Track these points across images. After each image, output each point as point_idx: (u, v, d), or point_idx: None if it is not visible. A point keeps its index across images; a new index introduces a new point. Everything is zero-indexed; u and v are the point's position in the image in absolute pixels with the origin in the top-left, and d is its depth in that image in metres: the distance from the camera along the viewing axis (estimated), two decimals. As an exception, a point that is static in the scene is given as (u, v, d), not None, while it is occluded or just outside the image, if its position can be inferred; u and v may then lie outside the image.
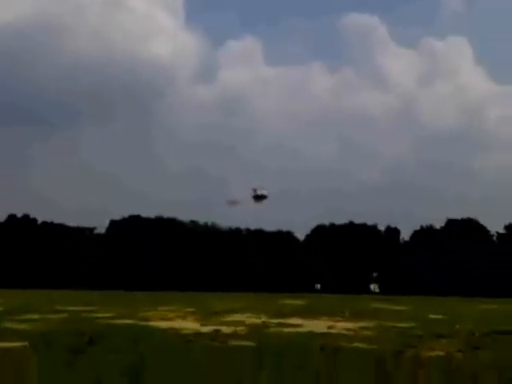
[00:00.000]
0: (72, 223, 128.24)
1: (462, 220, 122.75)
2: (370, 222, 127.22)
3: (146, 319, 30.77)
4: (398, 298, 78.82)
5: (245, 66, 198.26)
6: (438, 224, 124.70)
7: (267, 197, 64.68)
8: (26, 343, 18.86)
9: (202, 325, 27.66)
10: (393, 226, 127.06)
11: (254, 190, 64.84)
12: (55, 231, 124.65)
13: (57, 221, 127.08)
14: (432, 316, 37.33)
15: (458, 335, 24.36)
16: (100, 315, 33.07)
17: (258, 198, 65.80)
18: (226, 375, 13.13)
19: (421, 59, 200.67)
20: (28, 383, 12.09)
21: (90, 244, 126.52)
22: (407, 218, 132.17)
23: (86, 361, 15.09)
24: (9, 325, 26.02)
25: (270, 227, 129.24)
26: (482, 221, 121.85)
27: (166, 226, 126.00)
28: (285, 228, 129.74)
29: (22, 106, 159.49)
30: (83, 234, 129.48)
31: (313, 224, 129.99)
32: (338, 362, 15.89)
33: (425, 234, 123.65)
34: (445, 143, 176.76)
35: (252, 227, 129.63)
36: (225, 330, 25.07)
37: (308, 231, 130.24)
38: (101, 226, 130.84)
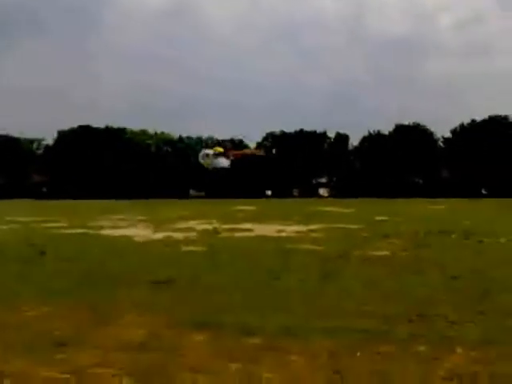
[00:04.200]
0: (18, 135, 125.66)
1: (409, 126, 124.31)
2: (319, 130, 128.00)
3: (97, 228, 30.85)
4: (347, 201, 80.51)
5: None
6: (387, 130, 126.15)
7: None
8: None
9: (154, 232, 27.93)
10: (342, 132, 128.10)
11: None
12: (2, 142, 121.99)
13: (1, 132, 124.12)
14: (379, 217, 38.38)
15: (403, 235, 25.15)
16: (50, 225, 32.99)
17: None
18: (179, 278, 13.37)
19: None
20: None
21: (39, 155, 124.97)
22: (357, 125, 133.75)
23: (38, 270, 15.16)
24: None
25: (223, 135, 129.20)
26: (430, 126, 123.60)
27: (115, 135, 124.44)
28: (238, 137, 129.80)
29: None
30: (31, 146, 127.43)
31: (264, 132, 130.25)
32: (287, 262, 16.38)
33: (373, 139, 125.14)
34: (396, 50, 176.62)
35: (205, 135, 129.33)
36: (176, 236, 25.38)
37: (259, 138, 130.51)
38: (49, 138, 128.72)
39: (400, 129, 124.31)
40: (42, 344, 8.09)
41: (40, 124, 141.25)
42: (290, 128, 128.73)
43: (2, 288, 12.50)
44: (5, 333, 8.77)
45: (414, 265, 15.75)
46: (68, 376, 6.78)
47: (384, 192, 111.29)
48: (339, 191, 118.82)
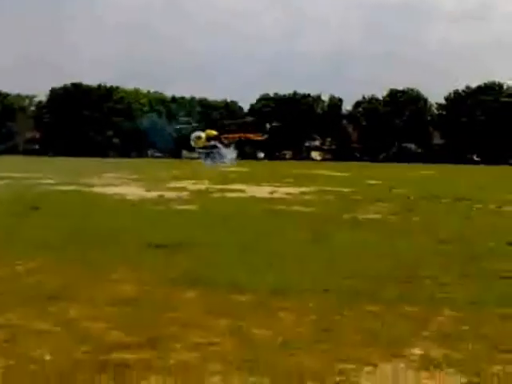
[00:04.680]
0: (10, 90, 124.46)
1: (404, 90, 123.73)
2: (314, 92, 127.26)
3: (90, 185, 30.82)
4: (339, 164, 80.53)
5: None
6: (380, 94, 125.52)
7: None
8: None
9: (147, 191, 27.94)
10: (336, 96, 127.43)
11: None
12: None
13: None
14: (371, 181, 38.49)
15: (394, 199, 25.27)
16: (42, 181, 32.93)
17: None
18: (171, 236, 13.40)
19: None
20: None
21: (32, 112, 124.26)
22: (351, 89, 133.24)
23: (30, 225, 15.17)
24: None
25: (215, 96, 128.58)
26: (424, 91, 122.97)
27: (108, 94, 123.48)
28: (230, 98, 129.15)
29: None
30: (23, 102, 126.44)
31: (257, 94, 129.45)
32: (279, 223, 16.46)
33: (367, 103, 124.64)
34: (393, 11, 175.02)
35: (197, 96, 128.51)
36: (169, 195, 25.41)
37: (253, 101, 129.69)
38: (41, 94, 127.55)
39: (394, 94, 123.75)
40: (34, 297, 8.14)
41: (31, 82, 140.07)
42: (284, 89, 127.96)
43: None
44: (-4, 286, 8.82)
45: (404, 228, 15.87)
46: (60, 328, 6.84)
47: (376, 156, 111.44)
48: (332, 155, 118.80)
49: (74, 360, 5.81)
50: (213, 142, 25.11)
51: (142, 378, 5.41)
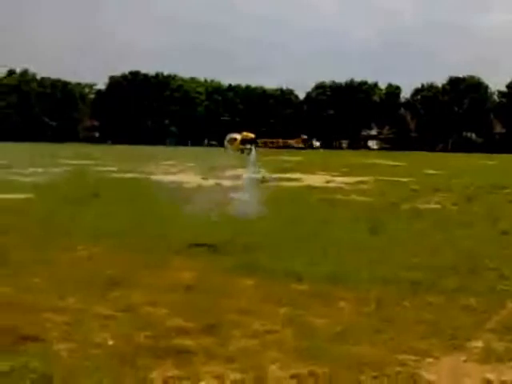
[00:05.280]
0: (71, 79, 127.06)
1: (464, 78, 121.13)
2: (371, 80, 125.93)
3: (148, 173, 31.22)
4: (397, 154, 79.50)
5: None
6: (440, 82, 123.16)
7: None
8: (30, 195, 19.26)
9: (203, 178, 28.13)
10: (394, 83, 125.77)
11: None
12: (55, 87, 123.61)
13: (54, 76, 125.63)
14: (430, 171, 37.87)
15: (454, 189, 24.80)
16: (102, 169, 33.54)
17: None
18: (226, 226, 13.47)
19: None
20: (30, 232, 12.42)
21: (91, 100, 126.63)
22: (409, 76, 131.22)
23: (91, 212, 15.44)
24: (14, 177, 26.43)
25: (271, 85, 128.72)
26: (484, 79, 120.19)
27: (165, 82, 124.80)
28: (286, 86, 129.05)
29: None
30: (83, 90, 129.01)
31: (313, 82, 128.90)
32: (336, 212, 16.37)
33: (426, 91, 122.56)
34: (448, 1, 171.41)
35: (253, 84, 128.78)
36: (225, 183, 25.51)
37: (308, 89, 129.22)
38: (100, 83, 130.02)
39: (454, 81, 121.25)
40: (95, 283, 8.29)
41: (91, 70, 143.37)
42: (341, 77, 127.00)
43: (56, 228, 12.80)
44: (59, 271, 8.99)
45: (465, 219, 15.56)
46: (121, 314, 6.96)
47: (435, 146, 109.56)
48: (389, 144, 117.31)
49: (137, 345, 5.91)
50: (248, 146, 24.68)
51: (203, 364, 5.47)
